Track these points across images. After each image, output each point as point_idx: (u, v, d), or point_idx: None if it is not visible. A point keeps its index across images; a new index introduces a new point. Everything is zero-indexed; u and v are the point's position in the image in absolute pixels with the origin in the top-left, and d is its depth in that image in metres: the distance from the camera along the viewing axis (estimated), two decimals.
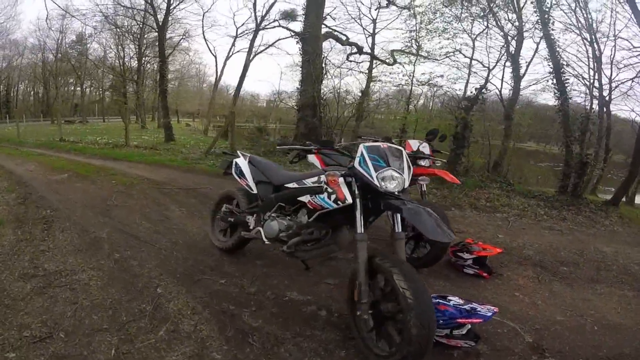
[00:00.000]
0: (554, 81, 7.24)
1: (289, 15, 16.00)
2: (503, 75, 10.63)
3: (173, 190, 5.24)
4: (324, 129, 10.79)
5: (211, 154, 9.27)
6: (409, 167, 1.99)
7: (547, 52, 7.20)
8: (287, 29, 13.32)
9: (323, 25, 11.57)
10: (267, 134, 16.14)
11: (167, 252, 3.09)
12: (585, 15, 9.41)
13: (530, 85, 12.44)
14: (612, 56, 9.58)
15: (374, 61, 14.12)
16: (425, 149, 3.59)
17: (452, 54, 10.41)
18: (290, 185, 2.40)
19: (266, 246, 2.88)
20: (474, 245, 3.08)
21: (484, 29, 9.49)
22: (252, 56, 15.95)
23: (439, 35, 10.40)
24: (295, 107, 12.21)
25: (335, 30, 13.31)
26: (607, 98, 10.06)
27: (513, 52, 9.95)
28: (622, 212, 5.53)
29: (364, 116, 12.13)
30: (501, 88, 10.56)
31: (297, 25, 14.37)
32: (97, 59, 26.62)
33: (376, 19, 14.35)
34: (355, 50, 13.89)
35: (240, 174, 2.89)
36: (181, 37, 19.13)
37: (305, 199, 2.23)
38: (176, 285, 2.55)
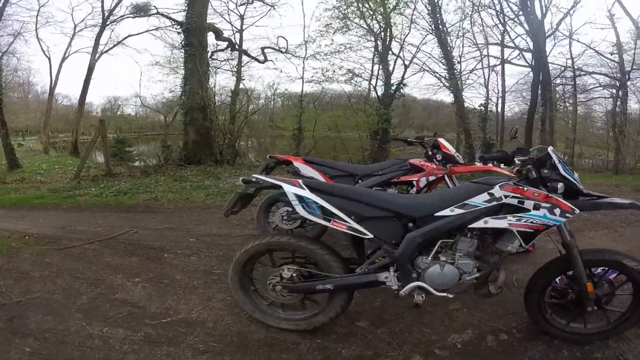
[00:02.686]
0: (447, 77, 9.27)
1: (142, 9, 14.52)
2: (378, 73, 12.30)
3: (87, 249, 3.72)
4: (216, 133, 10.52)
5: (82, 178, 7.80)
6: None
7: (441, 52, 9.14)
8: (169, 17, 11.89)
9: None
10: (130, 145, 14.72)
11: None
12: (440, 18, 12.10)
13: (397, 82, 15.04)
14: (460, 52, 12.53)
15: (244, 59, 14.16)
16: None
17: (347, 50, 11.50)
18: (448, 212, 2.06)
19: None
20: None
21: (380, 30, 10.91)
22: (97, 56, 13.80)
23: (334, 33, 11.34)
24: (160, 114, 11.07)
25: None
26: (458, 88, 13.01)
27: (381, 51, 11.90)
28: None
29: (237, 117, 12.11)
30: (376, 85, 12.25)
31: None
32: None
33: (244, 15, 14.58)
34: (221, 47, 13.51)
35: (325, 212, 2.12)
36: (14, 35, 14.57)
37: (483, 224, 2.01)
38: None
